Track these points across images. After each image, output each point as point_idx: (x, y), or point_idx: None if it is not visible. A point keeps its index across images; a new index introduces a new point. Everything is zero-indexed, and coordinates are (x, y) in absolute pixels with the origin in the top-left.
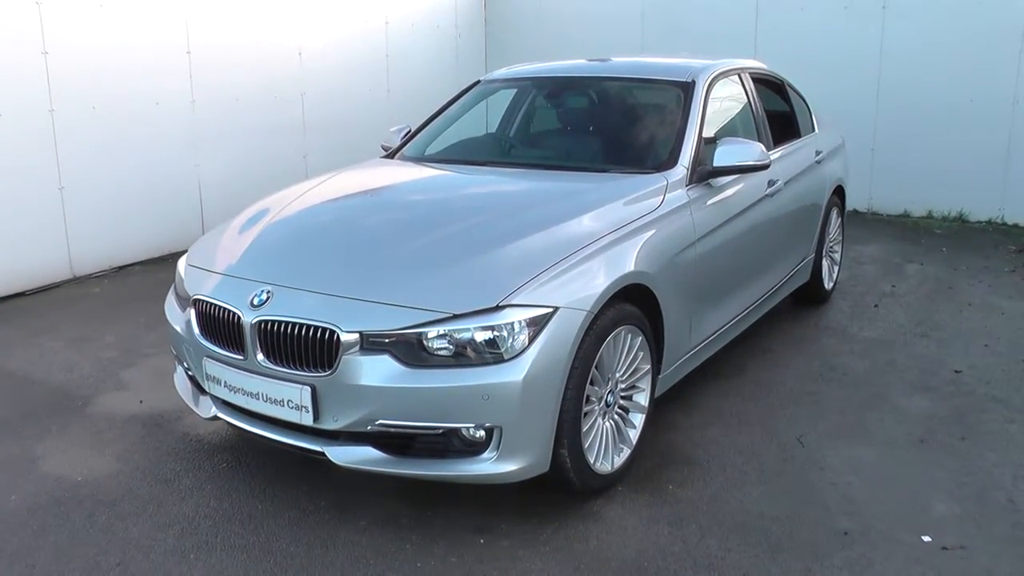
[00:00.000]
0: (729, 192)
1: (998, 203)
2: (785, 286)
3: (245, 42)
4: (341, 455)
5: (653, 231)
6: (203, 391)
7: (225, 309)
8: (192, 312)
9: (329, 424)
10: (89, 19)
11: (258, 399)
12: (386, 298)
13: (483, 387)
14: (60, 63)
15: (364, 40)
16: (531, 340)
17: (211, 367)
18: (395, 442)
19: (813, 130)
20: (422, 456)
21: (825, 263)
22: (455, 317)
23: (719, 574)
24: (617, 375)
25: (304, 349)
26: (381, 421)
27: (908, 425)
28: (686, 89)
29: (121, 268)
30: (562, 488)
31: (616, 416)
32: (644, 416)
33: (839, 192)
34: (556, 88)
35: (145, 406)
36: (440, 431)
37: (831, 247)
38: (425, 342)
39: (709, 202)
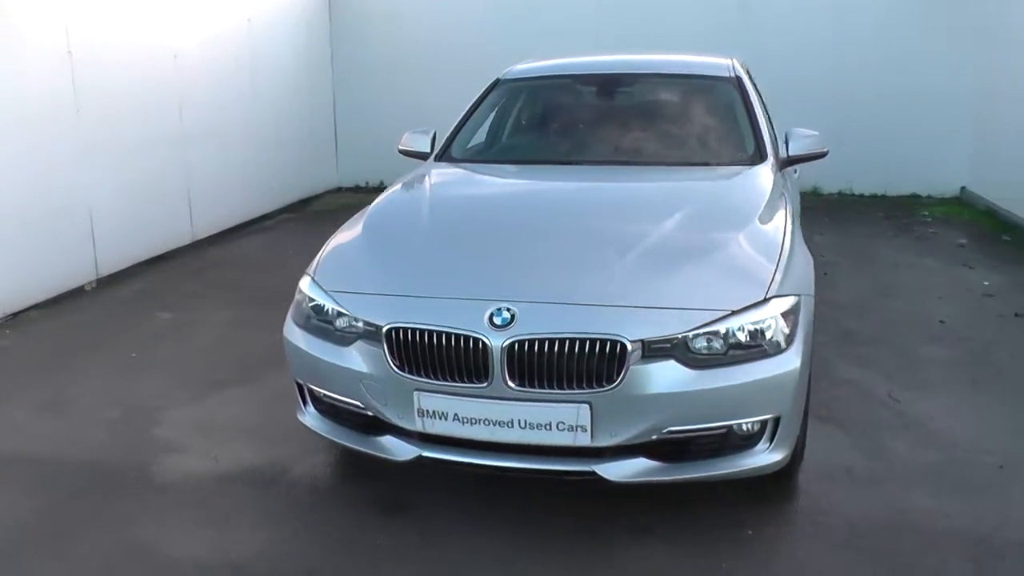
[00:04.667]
0: (791, 180)
1: (846, 176)
2: None
3: (124, 43)
4: (615, 471)
5: (794, 218)
6: (380, 432)
7: (457, 335)
8: (384, 345)
9: (605, 441)
10: None
11: (511, 427)
12: (656, 302)
13: (770, 379)
14: None
15: (228, 41)
16: (792, 328)
17: (429, 401)
18: (670, 449)
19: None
20: (698, 458)
21: None
22: (732, 314)
23: (938, 520)
24: None
25: (577, 365)
26: (669, 428)
27: (949, 370)
28: (738, 84)
29: (15, 315)
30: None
31: None
32: None
33: None
34: (604, 84)
35: (227, 464)
36: (723, 430)
37: None
38: (707, 342)
39: (791, 189)
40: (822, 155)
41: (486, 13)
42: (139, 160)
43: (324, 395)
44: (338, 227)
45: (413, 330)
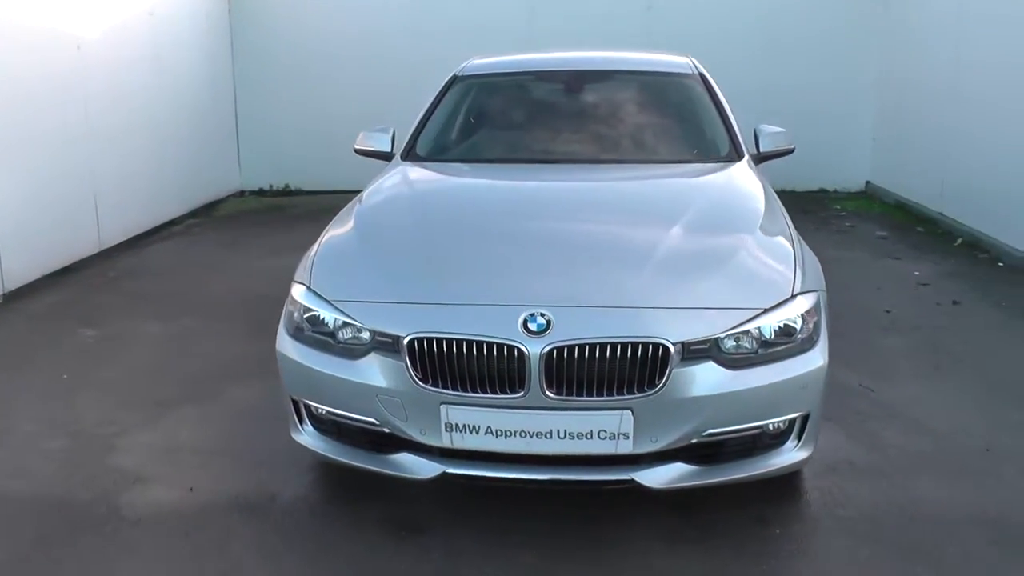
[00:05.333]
0: None
1: None
2: None
3: (27, 27)
4: (654, 478)
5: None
6: (394, 449)
7: (490, 344)
8: (406, 357)
9: (647, 447)
10: None
11: (549, 438)
12: (692, 302)
13: (801, 377)
14: None
15: (131, 32)
16: (816, 324)
17: (458, 415)
18: (705, 452)
19: None
20: (731, 460)
21: None
22: (764, 311)
23: (949, 508)
24: None
25: (619, 370)
26: (709, 431)
27: (910, 359)
28: (703, 80)
29: None
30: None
31: None
32: None
33: None
34: (571, 81)
35: (206, 491)
36: (757, 430)
37: None
38: (738, 341)
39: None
40: (790, 151)
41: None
42: (44, 159)
43: (328, 412)
44: (250, 232)
45: (439, 340)
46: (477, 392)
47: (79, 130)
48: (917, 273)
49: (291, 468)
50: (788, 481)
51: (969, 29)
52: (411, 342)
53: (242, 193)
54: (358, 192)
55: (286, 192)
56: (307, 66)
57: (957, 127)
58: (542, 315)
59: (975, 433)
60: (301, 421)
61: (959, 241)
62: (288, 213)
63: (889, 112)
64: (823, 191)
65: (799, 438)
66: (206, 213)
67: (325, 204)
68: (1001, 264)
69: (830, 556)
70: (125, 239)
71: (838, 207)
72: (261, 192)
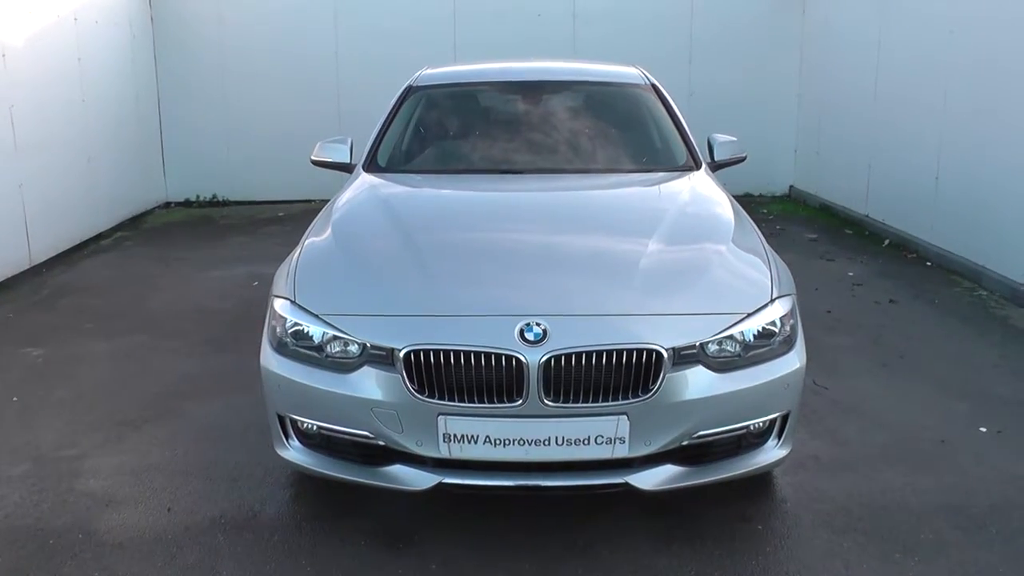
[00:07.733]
0: None
1: None
2: None
3: None
4: (646, 480)
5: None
6: (387, 461)
7: (488, 354)
8: (402, 369)
9: (641, 451)
10: None
11: (547, 445)
12: (680, 309)
13: (783, 378)
14: None
15: (56, 41)
16: (793, 327)
17: (456, 425)
18: (694, 453)
19: None
20: (717, 460)
21: None
22: (747, 316)
23: (915, 496)
24: None
25: (614, 377)
26: (699, 433)
27: (857, 356)
28: (655, 91)
29: None
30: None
31: None
32: None
33: None
34: (527, 92)
35: (184, 512)
36: (743, 430)
37: None
38: (722, 345)
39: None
40: (742, 159)
41: (336, 15)
42: None
43: (318, 427)
44: (182, 244)
45: (436, 351)
46: (475, 402)
47: (6, 141)
48: (851, 274)
49: (267, 484)
50: (763, 478)
51: (889, 33)
52: (407, 354)
53: (168, 204)
54: (289, 203)
55: (214, 203)
56: (231, 74)
57: (882, 130)
58: (538, 324)
59: (928, 426)
60: (287, 437)
61: (887, 242)
62: (219, 224)
63: (809, 121)
64: (748, 195)
65: (779, 436)
66: (134, 226)
67: (256, 214)
68: (929, 264)
69: (813, 549)
70: (55, 254)
71: (765, 211)
72: (188, 203)
